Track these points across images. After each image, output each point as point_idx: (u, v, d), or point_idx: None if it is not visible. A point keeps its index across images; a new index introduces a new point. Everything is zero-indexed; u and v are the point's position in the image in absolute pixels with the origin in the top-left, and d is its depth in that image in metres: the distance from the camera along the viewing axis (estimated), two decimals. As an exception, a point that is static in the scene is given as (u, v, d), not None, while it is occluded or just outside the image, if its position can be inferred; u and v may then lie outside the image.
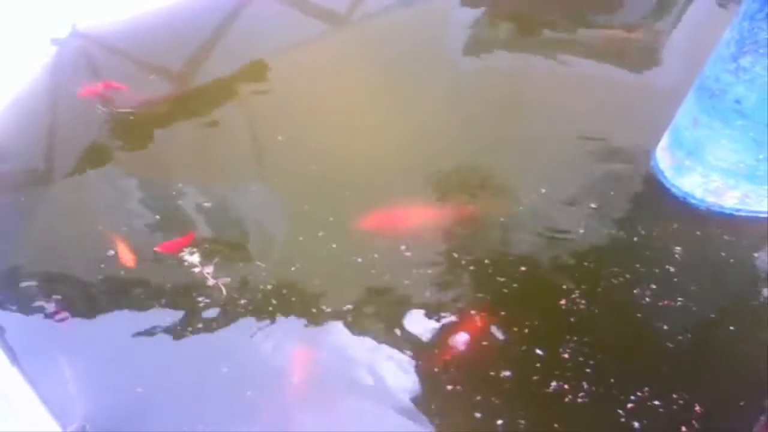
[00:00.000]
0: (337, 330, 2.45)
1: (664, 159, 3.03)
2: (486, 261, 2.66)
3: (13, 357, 2.37)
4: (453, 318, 2.47)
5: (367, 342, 2.42)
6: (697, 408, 2.21)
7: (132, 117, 3.32)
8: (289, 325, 2.47)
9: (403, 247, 2.69)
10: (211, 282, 2.57)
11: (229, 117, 3.40)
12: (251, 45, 3.83)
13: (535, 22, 4.15)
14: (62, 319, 2.49)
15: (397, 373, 2.33)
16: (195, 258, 2.65)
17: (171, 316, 2.50)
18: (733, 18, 2.58)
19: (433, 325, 2.46)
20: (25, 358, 2.38)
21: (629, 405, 2.21)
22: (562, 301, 2.51)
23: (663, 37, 4.10)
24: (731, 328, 2.45)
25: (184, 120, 3.39)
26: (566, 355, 2.34)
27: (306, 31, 4.02)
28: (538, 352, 2.35)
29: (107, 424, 2.23)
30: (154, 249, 2.70)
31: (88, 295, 2.59)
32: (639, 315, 2.50)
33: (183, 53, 3.74)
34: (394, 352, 2.38)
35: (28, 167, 3.18)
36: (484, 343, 2.40)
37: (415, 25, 4.09)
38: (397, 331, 2.44)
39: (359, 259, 2.66)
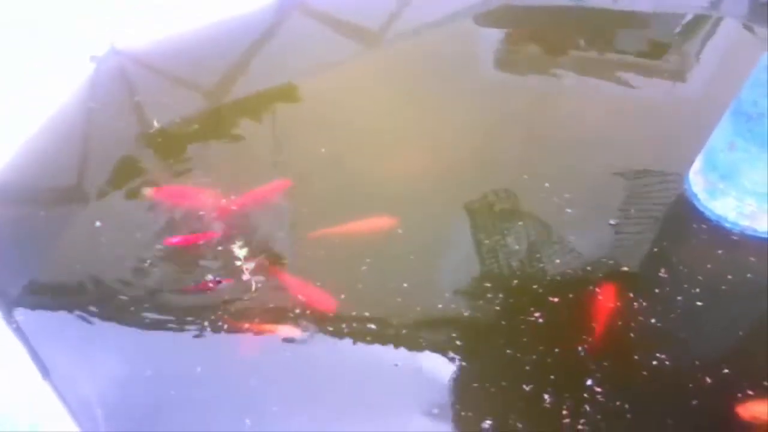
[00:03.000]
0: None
1: (697, 182, 3.02)
2: (512, 281, 2.68)
3: (45, 372, 2.41)
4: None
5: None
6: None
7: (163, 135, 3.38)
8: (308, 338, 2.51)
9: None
10: (246, 277, 2.65)
11: (261, 133, 3.45)
12: (285, 63, 3.90)
13: (561, 43, 4.18)
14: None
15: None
16: (243, 252, 2.74)
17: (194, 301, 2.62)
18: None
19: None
20: (56, 372, 2.42)
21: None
22: (582, 333, 2.49)
23: (691, 59, 4.11)
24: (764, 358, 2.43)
25: (216, 137, 3.43)
26: (579, 391, 2.31)
27: (339, 50, 4.08)
28: (546, 385, 2.33)
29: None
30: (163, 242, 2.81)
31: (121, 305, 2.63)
32: (665, 342, 2.48)
33: (218, 71, 3.80)
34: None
35: (63, 183, 3.23)
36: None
37: (444, 45, 4.14)
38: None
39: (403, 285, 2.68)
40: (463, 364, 2.41)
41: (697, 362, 2.42)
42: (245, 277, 2.66)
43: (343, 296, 2.62)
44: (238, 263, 2.71)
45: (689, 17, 4.38)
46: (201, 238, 2.83)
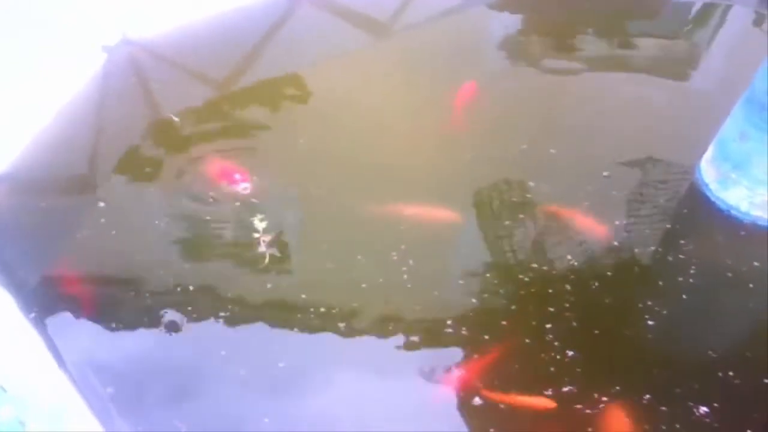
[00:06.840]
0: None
1: (708, 172, 3.02)
2: (529, 274, 2.69)
3: (60, 360, 2.43)
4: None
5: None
6: None
7: (176, 123, 3.41)
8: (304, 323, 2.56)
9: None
10: (262, 249, 2.76)
11: (271, 123, 3.47)
12: (295, 54, 3.90)
13: (573, 32, 4.15)
14: None
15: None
16: (262, 225, 2.83)
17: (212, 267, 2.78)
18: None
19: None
20: (72, 363, 2.45)
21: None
22: (597, 321, 2.52)
23: (701, 49, 4.09)
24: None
25: (226, 126, 3.46)
26: (594, 381, 2.34)
27: (349, 41, 4.08)
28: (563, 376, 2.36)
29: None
30: None
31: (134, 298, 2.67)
32: (674, 332, 2.52)
33: (229, 61, 3.81)
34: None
35: (76, 173, 3.26)
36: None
37: (455, 34, 4.12)
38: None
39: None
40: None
41: (705, 352, 2.44)
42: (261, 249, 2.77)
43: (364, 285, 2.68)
44: (256, 235, 2.80)
45: (700, 5, 4.36)
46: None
